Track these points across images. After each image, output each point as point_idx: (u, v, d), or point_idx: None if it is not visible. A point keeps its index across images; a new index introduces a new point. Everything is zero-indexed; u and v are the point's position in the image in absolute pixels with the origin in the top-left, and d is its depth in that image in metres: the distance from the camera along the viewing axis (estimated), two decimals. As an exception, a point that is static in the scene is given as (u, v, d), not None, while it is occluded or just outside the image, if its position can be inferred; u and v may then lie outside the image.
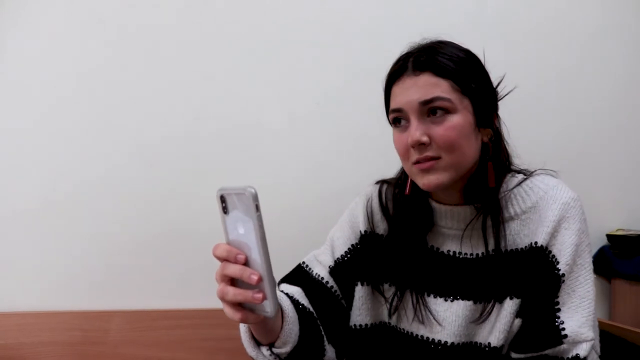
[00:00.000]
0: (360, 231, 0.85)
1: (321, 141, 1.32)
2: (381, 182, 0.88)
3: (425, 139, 0.70)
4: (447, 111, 0.70)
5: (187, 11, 1.28)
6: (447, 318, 0.78)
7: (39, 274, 1.22)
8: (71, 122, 1.24)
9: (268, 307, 0.55)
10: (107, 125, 1.25)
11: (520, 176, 0.79)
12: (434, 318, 0.79)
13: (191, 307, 1.24)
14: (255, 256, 0.54)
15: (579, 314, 0.70)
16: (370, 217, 0.85)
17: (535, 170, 0.80)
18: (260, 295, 0.53)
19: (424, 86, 0.71)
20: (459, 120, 0.71)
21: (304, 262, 0.86)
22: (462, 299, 0.78)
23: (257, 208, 0.52)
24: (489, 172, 0.75)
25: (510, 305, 0.74)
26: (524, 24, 1.39)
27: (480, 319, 0.76)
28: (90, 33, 1.25)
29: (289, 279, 0.83)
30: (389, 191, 0.86)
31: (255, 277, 0.53)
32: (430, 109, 0.71)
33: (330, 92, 1.32)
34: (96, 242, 1.24)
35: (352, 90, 1.31)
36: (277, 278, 0.83)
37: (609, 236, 1.37)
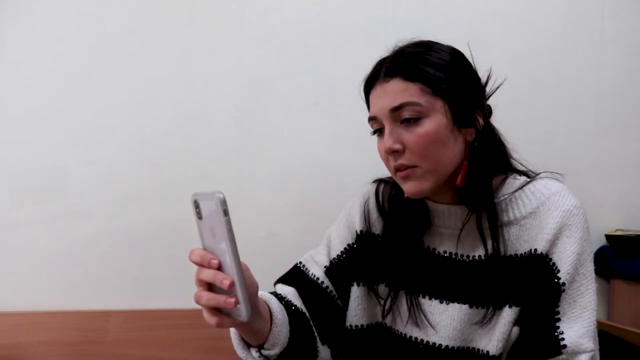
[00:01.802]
0: (357, 231, 0.84)
1: (320, 141, 1.32)
2: (378, 181, 0.88)
3: (397, 146, 0.70)
4: (419, 116, 0.70)
5: (187, 11, 1.28)
6: (442, 321, 0.77)
7: (38, 274, 1.22)
8: (71, 121, 1.24)
9: (243, 312, 0.54)
10: (107, 124, 1.25)
11: (523, 178, 0.77)
12: (428, 320, 0.78)
13: (190, 307, 1.23)
14: (228, 261, 0.54)
15: (579, 324, 0.68)
16: (366, 217, 0.85)
17: (540, 174, 0.78)
18: (232, 300, 0.53)
19: (392, 92, 0.71)
20: (432, 125, 0.69)
21: (300, 262, 0.85)
22: (458, 302, 0.77)
23: (225, 213, 0.52)
24: (460, 172, 0.73)
25: (509, 314, 0.73)
26: (524, 22, 1.39)
27: (482, 322, 0.74)
28: (90, 33, 1.25)
29: (285, 279, 0.83)
30: (385, 190, 0.85)
31: (227, 282, 0.53)
32: (402, 115, 0.70)
33: (330, 92, 1.32)
34: (95, 241, 1.24)
35: (352, 90, 1.30)
36: (275, 278, 0.83)
37: (607, 236, 1.37)
